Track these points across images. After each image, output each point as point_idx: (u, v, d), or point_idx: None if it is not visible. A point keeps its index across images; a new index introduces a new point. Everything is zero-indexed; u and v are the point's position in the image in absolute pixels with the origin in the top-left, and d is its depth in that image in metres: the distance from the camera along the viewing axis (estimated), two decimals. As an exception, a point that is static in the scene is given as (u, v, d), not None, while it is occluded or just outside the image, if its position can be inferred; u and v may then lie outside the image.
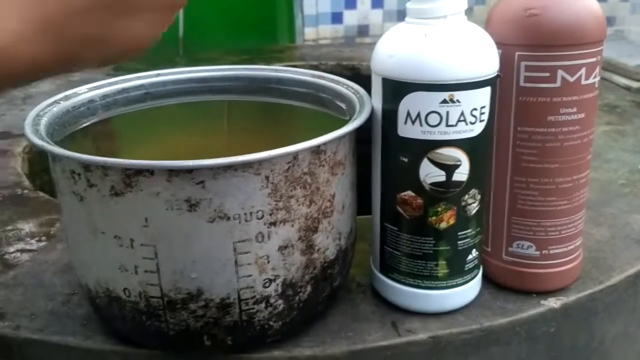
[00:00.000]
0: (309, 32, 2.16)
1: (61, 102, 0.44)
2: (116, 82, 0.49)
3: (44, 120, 0.40)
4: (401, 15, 1.21)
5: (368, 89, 0.43)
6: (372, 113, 0.41)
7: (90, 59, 0.32)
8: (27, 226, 0.58)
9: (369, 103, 0.41)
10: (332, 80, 0.48)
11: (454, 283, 0.43)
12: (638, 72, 1.79)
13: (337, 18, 2.11)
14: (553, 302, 0.45)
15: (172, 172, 0.33)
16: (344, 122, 0.39)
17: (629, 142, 0.78)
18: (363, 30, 2.13)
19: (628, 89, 1.59)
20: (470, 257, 0.43)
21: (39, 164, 0.79)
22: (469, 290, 0.44)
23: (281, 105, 0.52)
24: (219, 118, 0.54)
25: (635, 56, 1.90)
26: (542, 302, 0.45)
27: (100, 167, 0.34)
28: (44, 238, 0.56)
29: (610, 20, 2.25)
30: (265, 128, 0.52)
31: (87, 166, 0.34)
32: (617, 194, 0.63)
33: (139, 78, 0.50)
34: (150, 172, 0.33)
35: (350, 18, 2.10)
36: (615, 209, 0.60)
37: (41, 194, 0.66)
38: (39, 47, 0.29)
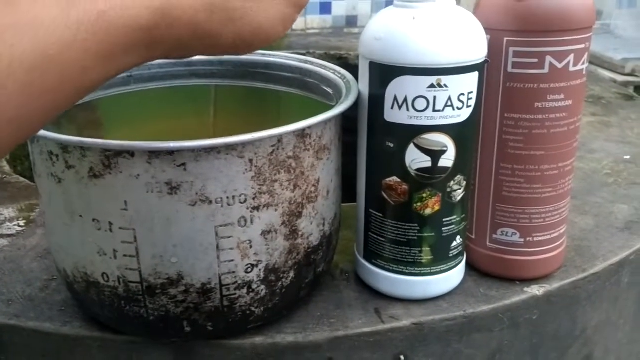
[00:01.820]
0: (297, 22, 2.14)
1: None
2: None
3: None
4: (389, 4, 1.20)
5: (356, 78, 0.42)
6: (359, 98, 0.40)
7: (227, 39, 0.29)
8: (6, 211, 0.57)
9: (355, 88, 0.41)
10: (319, 65, 0.48)
11: (438, 270, 0.42)
12: (623, 66, 1.81)
13: (325, 8, 2.09)
14: (536, 290, 0.45)
15: (153, 154, 0.32)
16: (330, 107, 0.39)
17: (613, 133, 0.78)
18: (351, 20, 2.12)
19: (614, 82, 1.60)
20: (454, 243, 0.42)
21: (20, 149, 0.77)
22: (453, 277, 0.44)
23: (268, 90, 0.51)
24: (205, 102, 0.53)
25: (620, 50, 1.91)
26: (525, 289, 0.45)
27: (78, 148, 0.33)
28: (23, 223, 0.55)
29: (597, 14, 2.26)
30: (251, 113, 0.51)
31: (65, 147, 0.33)
32: (601, 183, 0.64)
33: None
34: (130, 153, 0.32)
35: (339, 8, 2.09)
36: (599, 199, 0.60)
37: (21, 178, 0.65)
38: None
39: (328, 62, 0.48)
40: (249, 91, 0.53)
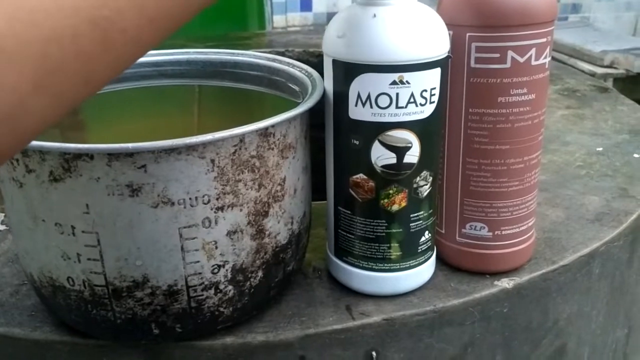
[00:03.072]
0: (278, 20, 2.14)
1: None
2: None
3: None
4: (368, 1, 1.19)
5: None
6: (325, 95, 0.40)
7: None
8: (-23, 216, 0.57)
9: (320, 85, 0.41)
10: (287, 64, 0.48)
11: (407, 265, 0.43)
12: (602, 58, 1.82)
13: (306, 5, 2.09)
14: (506, 283, 0.45)
15: (112, 156, 0.32)
16: (296, 105, 0.39)
17: (587, 125, 0.79)
18: (332, 17, 2.12)
19: (593, 74, 1.62)
20: (423, 239, 0.43)
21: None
22: (423, 272, 0.44)
23: (236, 89, 0.51)
24: (172, 103, 0.53)
25: (600, 42, 1.93)
26: (495, 282, 0.45)
27: (37, 151, 0.32)
28: (-6, 228, 0.54)
29: (575, 7, 2.28)
30: (218, 112, 0.51)
31: (24, 151, 0.33)
32: (573, 175, 0.64)
33: (88, 62, 0.49)
34: (89, 156, 0.32)
35: (319, 5, 2.09)
36: (571, 191, 0.61)
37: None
38: None
39: (307, 59, 0.49)
40: (218, 90, 0.53)
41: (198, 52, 0.52)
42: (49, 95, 0.21)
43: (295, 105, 0.41)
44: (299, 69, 0.46)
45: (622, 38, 1.99)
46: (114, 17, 0.21)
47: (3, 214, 0.57)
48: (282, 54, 1.19)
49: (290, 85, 0.46)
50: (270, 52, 1.19)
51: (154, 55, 0.51)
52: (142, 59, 0.51)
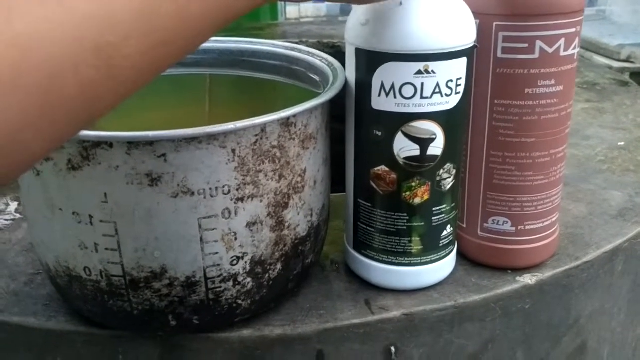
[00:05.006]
0: (291, 11, 2.13)
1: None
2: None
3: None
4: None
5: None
6: (346, 85, 0.39)
7: None
8: (-8, 204, 0.56)
9: (342, 75, 0.40)
10: (307, 53, 0.47)
11: (428, 260, 0.42)
12: (619, 52, 1.80)
13: (319, -4, 2.08)
14: (528, 279, 0.44)
15: (132, 145, 0.31)
16: (317, 95, 0.38)
17: (608, 119, 0.78)
18: (346, 8, 2.10)
19: (609, 68, 1.59)
20: (444, 233, 0.42)
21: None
22: (444, 266, 0.43)
23: (254, 78, 0.50)
24: (190, 91, 0.52)
25: (616, 36, 1.90)
26: (517, 278, 0.44)
27: (55, 139, 0.32)
28: (9, 217, 0.54)
29: (592, 0, 2.25)
30: (237, 102, 0.50)
31: (42, 138, 0.32)
32: (595, 170, 0.63)
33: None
34: (108, 144, 0.31)
35: (333, -4, 2.08)
36: (593, 186, 0.59)
37: (7, 171, 0.64)
38: None
39: (321, 50, 0.48)
40: (236, 79, 0.52)
41: (215, 40, 0.51)
42: (48, 125, 0.20)
43: (315, 95, 0.40)
44: (319, 58, 0.45)
45: (639, 32, 1.96)
46: (119, 43, 0.20)
47: (16, 202, 0.56)
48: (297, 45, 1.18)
49: (310, 74, 0.45)
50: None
51: (170, 43, 0.50)
52: (158, 47, 0.50)
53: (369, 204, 0.41)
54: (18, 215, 0.54)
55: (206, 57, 0.50)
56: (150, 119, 0.46)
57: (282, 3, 2.05)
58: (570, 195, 0.57)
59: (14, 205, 0.56)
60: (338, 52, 1.16)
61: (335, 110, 0.41)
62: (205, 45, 0.51)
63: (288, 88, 0.48)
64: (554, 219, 0.45)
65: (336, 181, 0.45)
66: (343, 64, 0.43)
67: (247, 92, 0.52)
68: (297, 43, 1.23)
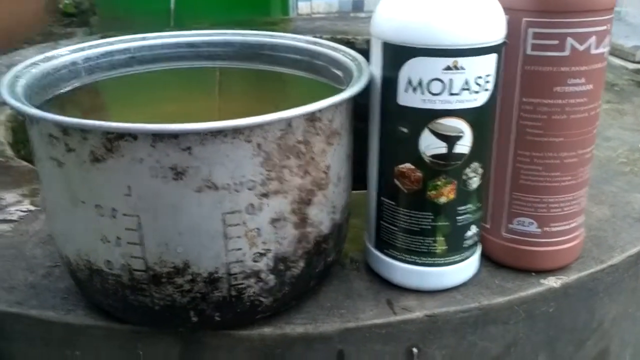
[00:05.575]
0: (303, 7, 2.12)
1: (41, 63, 0.42)
2: (100, 45, 0.46)
3: (22, 82, 0.38)
4: (398, -11, 1.16)
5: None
6: (371, 80, 0.39)
7: None
8: (9, 195, 0.56)
9: (367, 70, 0.39)
10: (329, 47, 0.46)
11: (452, 260, 0.41)
12: (634, 54, 1.77)
13: (331, -8, 2.06)
14: (553, 282, 0.44)
15: (157, 137, 0.31)
16: (339, 91, 0.37)
17: (628, 120, 0.76)
18: (358, 5, 2.09)
19: (625, 69, 1.57)
20: (469, 233, 0.41)
21: (23, 133, 0.76)
22: (467, 267, 0.42)
23: (274, 72, 0.50)
24: (209, 85, 0.51)
25: (631, 37, 1.87)
26: (541, 281, 0.44)
27: (78, 130, 0.31)
28: (25, 208, 0.54)
29: (608, 0, 2.22)
30: (257, 96, 0.50)
31: (65, 129, 0.32)
32: (617, 172, 0.62)
33: (124, 41, 0.48)
34: (133, 136, 0.31)
35: (345, -7, 2.06)
36: (615, 188, 0.58)
37: (24, 162, 0.63)
38: None
39: (336, 45, 0.47)
40: (255, 73, 0.51)
41: (235, 33, 0.50)
42: None
43: (336, 90, 0.39)
44: (342, 53, 0.44)
45: (655, 33, 1.93)
46: None
47: (32, 194, 0.56)
48: (310, 41, 1.17)
49: (333, 69, 0.44)
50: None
51: (190, 36, 0.50)
52: (177, 39, 0.50)
53: (393, 202, 0.40)
54: (33, 207, 0.54)
55: (225, 50, 0.50)
56: (167, 112, 0.46)
57: (294, -1, 2.05)
58: (592, 197, 0.56)
59: (29, 197, 0.55)
60: (352, 49, 1.16)
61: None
62: (225, 38, 0.50)
63: (309, 83, 0.47)
64: (579, 221, 0.44)
65: (354, 178, 0.44)
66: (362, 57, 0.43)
67: (267, 86, 0.51)
68: (311, 39, 1.22)
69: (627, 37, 1.85)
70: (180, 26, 1.50)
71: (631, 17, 2.26)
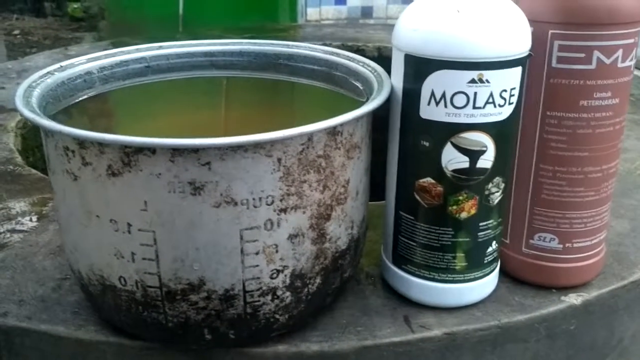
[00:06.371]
0: (312, 13, 2.11)
1: (56, 73, 0.41)
2: (115, 54, 0.46)
3: (37, 92, 0.37)
4: (408, -4, 1.16)
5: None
6: (391, 93, 0.38)
7: None
8: (18, 205, 0.55)
9: (388, 82, 0.38)
10: (347, 58, 0.45)
11: (472, 277, 0.40)
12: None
13: (340, -1, 2.06)
14: (574, 299, 0.43)
15: (176, 152, 0.30)
16: (359, 103, 0.36)
17: (645, 131, 0.75)
18: (367, 11, 2.09)
19: (635, 77, 1.56)
20: (490, 249, 0.40)
21: (32, 140, 0.76)
22: (487, 284, 0.41)
23: (291, 83, 0.49)
24: (224, 95, 0.51)
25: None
26: (562, 298, 0.43)
27: (96, 143, 0.31)
28: (35, 218, 0.53)
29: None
30: (273, 108, 0.49)
31: (81, 142, 0.31)
32: (636, 184, 0.61)
33: (139, 50, 0.47)
34: (151, 150, 0.30)
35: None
36: (634, 200, 0.57)
37: (33, 171, 0.63)
38: None
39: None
40: (271, 84, 0.50)
41: (250, 42, 0.50)
42: None
43: (355, 102, 0.38)
44: (361, 64, 0.43)
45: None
46: None
47: (42, 204, 0.55)
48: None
49: (352, 81, 0.44)
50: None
51: (205, 45, 0.49)
52: (193, 49, 0.49)
53: (412, 217, 0.39)
54: (44, 218, 0.53)
55: (242, 60, 0.49)
56: (182, 122, 0.45)
57: (302, 2, 2.04)
58: (612, 211, 0.54)
59: (39, 206, 0.55)
60: (363, 57, 1.15)
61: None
62: (241, 47, 0.49)
63: (327, 94, 0.46)
64: (602, 237, 0.43)
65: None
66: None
67: (284, 97, 0.50)
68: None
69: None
70: (188, 31, 1.50)
71: None
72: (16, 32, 3.31)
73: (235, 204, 0.31)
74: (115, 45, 0.98)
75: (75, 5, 3.59)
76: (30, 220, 0.53)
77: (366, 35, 1.18)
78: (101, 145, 0.30)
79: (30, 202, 0.56)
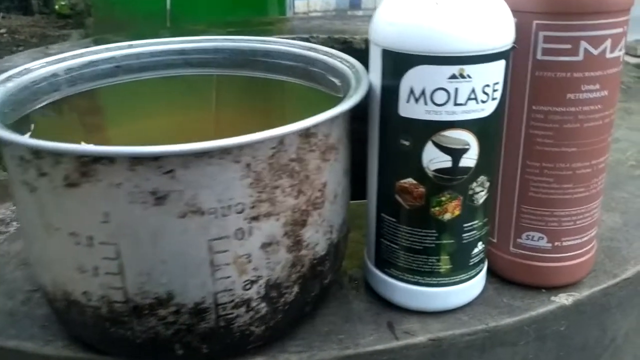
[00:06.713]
0: (299, 5, 2.09)
1: (16, 77, 0.39)
2: (82, 55, 0.44)
3: (-5, 97, 0.35)
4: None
5: (362, 64, 0.38)
6: (370, 90, 0.36)
7: None
8: (-10, 212, 0.53)
9: (366, 78, 0.36)
10: (325, 53, 0.43)
11: (457, 279, 0.38)
12: (635, 47, 1.75)
13: (328, -11, 2.03)
14: (564, 299, 0.41)
15: (136, 160, 0.28)
16: (337, 100, 0.34)
17: (636, 120, 0.74)
18: (355, 3, 2.07)
19: (626, 64, 1.55)
20: (475, 250, 0.38)
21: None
22: (473, 286, 0.40)
23: (268, 80, 0.47)
24: (199, 95, 0.49)
25: (634, 31, 1.85)
26: (552, 298, 0.41)
27: (51, 153, 0.29)
28: (7, 227, 0.51)
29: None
30: (249, 106, 0.47)
31: (36, 152, 0.29)
32: (627, 176, 0.59)
33: (108, 50, 0.45)
34: (109, 159, 0.28)
35: (342, -10, 2.03)
36: (626, 193, 0.56)
37: (4, 173, 0.61)
38: None
39: (332, 46, 0.44)
40: (248, 81, 0.48)
41: (226, 39, 0.48)
42: None
43: (334, 99, 0.37)
44: (339, 59, 0.41)
45: (658, 26, 1.91)
46: None
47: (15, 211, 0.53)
48: (307, 41, 1.14)
49: (329, 77, 0.42)
50: (294, 39, 1.14)
51: (178, 43, 0.47)
52: (166, 47, 0.47)
53: (394, 219, 0.38)
54: (16, 226, 0.51)
55: (216, 57, 0.47)
56: (156, 126, 0.43)
57: (291, -3, 2.02)
58: (602, 204, 0.53)
59: (12, 215, 0.53)
60: (350, 49, 1.13)
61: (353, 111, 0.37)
62: (216, 44, 0.47)
63: (304, 90, 0.44)
64: (592, 234, 0.42)
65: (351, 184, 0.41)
66: (361, 62, 0.40)
67: (260, 95, 0.48)
68: (307, 38, 1.19)
69: (629, 31, 1.82)
70: (176, 27, 1.48)
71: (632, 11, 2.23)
72: (2, 30, 3.27)
73: (202, 213, 0.29)
74: (98, 43, 0.95)
75: (63, 3, 3.55)
76: (2, 230, 0.51)
77: (354, 27, 1.16)
78: (57, 155, 0.28)
79: (2, 211, 0.54)
